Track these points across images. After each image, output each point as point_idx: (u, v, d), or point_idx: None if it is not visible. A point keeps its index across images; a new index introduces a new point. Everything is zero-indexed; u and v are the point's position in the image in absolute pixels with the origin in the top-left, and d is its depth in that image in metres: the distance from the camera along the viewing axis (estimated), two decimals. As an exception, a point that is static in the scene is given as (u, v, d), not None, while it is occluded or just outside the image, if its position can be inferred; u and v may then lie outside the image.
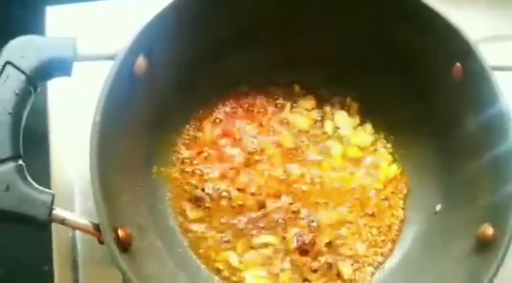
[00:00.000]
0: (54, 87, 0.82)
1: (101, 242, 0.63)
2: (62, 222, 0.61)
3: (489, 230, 0.68)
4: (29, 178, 0.61)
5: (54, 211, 0.60)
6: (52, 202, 0.60)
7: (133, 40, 0.68)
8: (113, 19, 0.89)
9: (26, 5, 1.00)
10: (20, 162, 0.60)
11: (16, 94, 0.61)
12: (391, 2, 0.75)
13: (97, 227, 0.62)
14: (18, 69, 0.62)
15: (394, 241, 0.79)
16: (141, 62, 0.70)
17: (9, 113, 0.61)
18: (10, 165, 0.59)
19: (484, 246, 0.68)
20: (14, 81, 0.62)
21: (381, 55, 0.81)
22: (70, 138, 0.83)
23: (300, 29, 0.80)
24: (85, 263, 0.77)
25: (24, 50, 0.63)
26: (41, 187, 0.61)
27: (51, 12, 0.91)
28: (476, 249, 0.70)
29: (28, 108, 0.63)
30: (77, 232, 0.78)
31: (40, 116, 0.80)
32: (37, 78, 0.64)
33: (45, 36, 0.67)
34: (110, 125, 0.65)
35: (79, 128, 0.82)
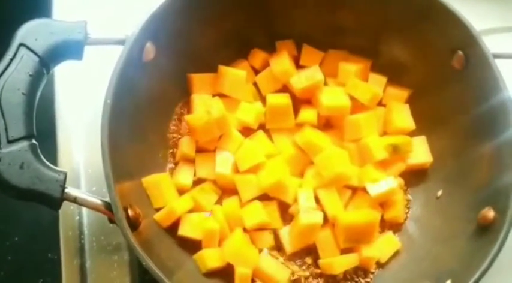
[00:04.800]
0: (59, 70, 0.82)
1: (111, 221, 0.64)
2: (74, 200, 0.62)
3: (490, 214, 0.70)
4: (42, 156, 0.61)
5: (66, 190, 0.61)
6: (65, 180, 0.61)
7: (143, 26, 0.69)
8: (117, 4, 0.90)
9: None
10: (33, 141, 0.61)
11: (30, 75, 0.62)
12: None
13: (108, 206, 0.63)
14: (32, 51, 0.63)
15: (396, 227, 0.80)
16: (149, 47, 0.72)
17: (23, 93, 0.61)
18: (24, 143, 0.60)
19: (485, 229, 0.70)
20: (27, 62, 0.63)
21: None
22: (76, 123, 0.84)
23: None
24: (91, 248, 0.78)
25: (38, 32, 0.64)
26: (53, 166, 0.62)
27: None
28: (477, 233, 0.71)
29: (41, 89, 0.64)
30: (84, 217, 0.79)
31: (46, 100, 0.81)
32: (49, 60, 0.65)
33: (57, 20, 0.67)
34: (119, 107, 0.67)
35: (85, 112, 0.84)
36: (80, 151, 0.83)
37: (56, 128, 0.84)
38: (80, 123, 0.84)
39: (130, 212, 0.65)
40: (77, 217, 0.79)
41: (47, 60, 0.64)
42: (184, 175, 0.78)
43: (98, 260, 0.77)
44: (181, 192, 0.77)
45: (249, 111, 0.79)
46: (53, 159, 0.81)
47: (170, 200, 0.75)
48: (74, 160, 0.82)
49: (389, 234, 0.78)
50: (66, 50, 0.66)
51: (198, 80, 0.81)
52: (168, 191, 0.75)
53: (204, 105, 0.78)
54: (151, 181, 0.75)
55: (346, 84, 0.81)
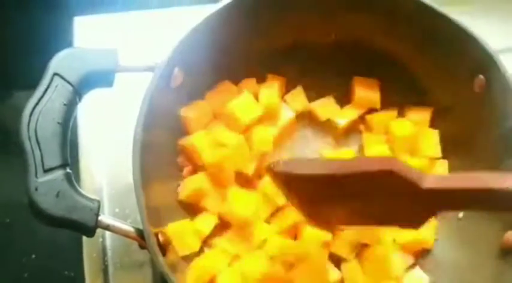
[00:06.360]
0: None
1: (142, 247, 0.65)
2: (107, 228, 0.63)
3: (514, 238, 0.70)
4: (76, 185, 0.62)
5: (99, 218, 0.62)
6: (99, 209, 0.62)
7: (172, 52, 0.70)
8: (132, 30, 0.93)
9: (54, 15, 1.01)
10: (68, 169, 0.62)
11: (64, 104, 0.63)
12: (414, 15, 0.77)
13: (139, 232, 0.64)
14: (66, 80, 0.64)
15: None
16: (177, 74, 0.73)
17: (59, 123, 0.62)
18: (60, 172, 0.61)
19: (509, 253, 0.70)
20: (62, 92, 0.63)
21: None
22: (98, 147, 0.85)
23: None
24: (116, 269, 0.79)
25: (70, 61, 0.65)
26: (87, 194, 0.62)
27: (79, 23, 0.94)
28: (500, 256, 0.72)
29: (73, 117, 0.65)
30: (107, 237, 0.80)
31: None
32: (82, 88, 0.66)
33: (88, 48, 0.68)
34: (148, 133, 0.67)
35: (107, 136, 0.85)
36: (102, 172, 0.84)
37: (78, 148, 0.85)
38: (102, 144, 0.85)
39: (160, 238, 0.66)
40: (101, 239, 0.80)
41: (80, 89, 0.65)
42: (204, 223, 0.76)
43: (122, 280, 0.78)
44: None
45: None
46: (76, 179, 0.82)
47: (194, 247, 0.74)
48: (96, 180, 0.83)
49: (417, 269, 0.79)
50: (98, 78, 0.67)
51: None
52: (192, 239, 0.74)
53: None
54: (175, 229, 0.73)
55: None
